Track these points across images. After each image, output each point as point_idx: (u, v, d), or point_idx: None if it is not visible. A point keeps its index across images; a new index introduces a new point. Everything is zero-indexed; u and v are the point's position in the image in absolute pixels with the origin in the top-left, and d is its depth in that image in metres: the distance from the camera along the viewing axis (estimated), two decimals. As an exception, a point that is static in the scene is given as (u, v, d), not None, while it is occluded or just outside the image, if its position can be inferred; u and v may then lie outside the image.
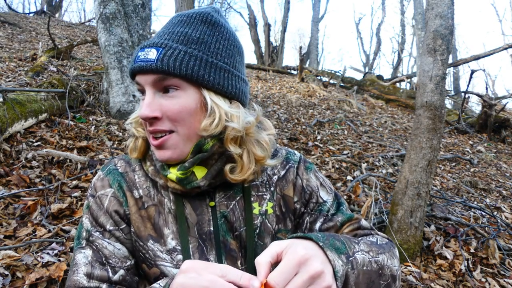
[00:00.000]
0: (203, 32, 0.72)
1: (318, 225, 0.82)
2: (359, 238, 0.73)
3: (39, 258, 1.59)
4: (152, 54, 0.68)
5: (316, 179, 0.88)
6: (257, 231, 0.79)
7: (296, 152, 0.92)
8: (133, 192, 0.79)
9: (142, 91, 0.72)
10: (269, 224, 0.81)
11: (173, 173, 0.74)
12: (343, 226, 0.82)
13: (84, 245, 0.75)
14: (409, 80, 12.93)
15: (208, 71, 0.70)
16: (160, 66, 0.67)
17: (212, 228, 0.77)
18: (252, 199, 0.81)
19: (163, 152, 0.73)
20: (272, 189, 0.84)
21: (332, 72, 12.43)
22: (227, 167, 0.74)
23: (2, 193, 2.06)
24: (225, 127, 0.72)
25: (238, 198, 0.80)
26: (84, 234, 0.76)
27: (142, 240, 0.76)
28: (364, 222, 0.83)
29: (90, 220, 0.77)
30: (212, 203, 0.78)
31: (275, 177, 0.85)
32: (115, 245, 0.76)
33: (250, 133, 0.74)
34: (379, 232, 0.82)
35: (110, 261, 0.74)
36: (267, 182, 0.84)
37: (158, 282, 0.62)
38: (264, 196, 0.83)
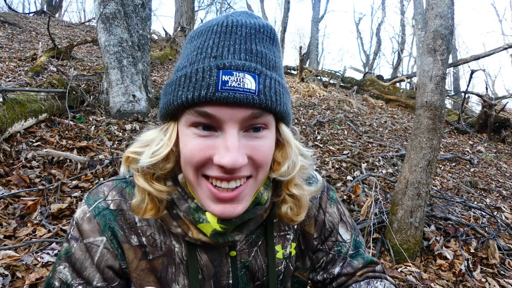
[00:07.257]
0: (274, 54, 0.57)
1: (337, 270, 0.76)
2: None
3: (39, 258, 1.59)
4: (249, 82, 0.50)
5: (338, 212, 0.79)
6: (281, 277, 0.71)
7: (318, 175, 0.79)
8: (131, 241, 0.63)
9: (209, 127, 0.53)
10: (291, 267, 0.73)
11: (211, 224, 0.58)
12: (359, 270, 0.77)
13: None
14: (409, 80, 12.92)
15: (289, 102, 0.57)
16: (263, 100, 0.51)
17: (231, 281, 0.67)
18: (274, 240, 0.70)
19: (234, 207, 0.55)
20: (295, 226, 0.74)
21: (332, 72, 12.42)
22: (284, 210, 0.63)
23: (2, 193, 2.05)
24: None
25: (260, 242, 0.69)
26: (57, 284, 0.60)
27: None
28: (378, 267, 0.78)
29: (69, 271, 0.61)
30: (234, 253, 0.66)
31: None
32: None
33: (302, 166, 0.62)
34: (388, 277, 0.77)
35: None
36: None
37: None
38: (288, 236, 0.73)
